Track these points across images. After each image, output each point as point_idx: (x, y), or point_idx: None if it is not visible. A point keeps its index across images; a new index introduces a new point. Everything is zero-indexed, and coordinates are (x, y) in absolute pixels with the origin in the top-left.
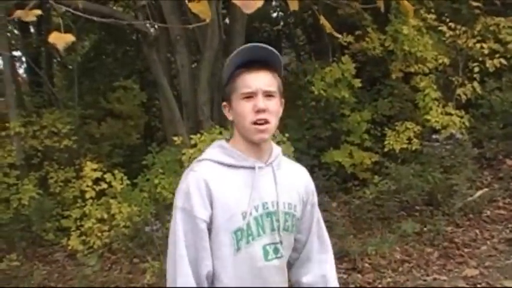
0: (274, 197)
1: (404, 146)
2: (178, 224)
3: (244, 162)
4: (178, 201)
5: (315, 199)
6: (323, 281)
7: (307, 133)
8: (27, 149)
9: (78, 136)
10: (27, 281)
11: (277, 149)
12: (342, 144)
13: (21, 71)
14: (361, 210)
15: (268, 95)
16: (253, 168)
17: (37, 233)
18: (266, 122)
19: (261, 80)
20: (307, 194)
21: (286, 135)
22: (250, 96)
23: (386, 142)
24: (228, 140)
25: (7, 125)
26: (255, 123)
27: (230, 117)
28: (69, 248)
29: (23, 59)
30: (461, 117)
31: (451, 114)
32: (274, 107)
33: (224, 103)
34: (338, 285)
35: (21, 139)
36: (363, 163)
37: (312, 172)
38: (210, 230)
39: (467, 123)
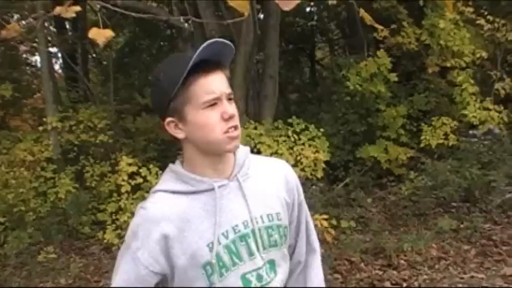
0: (246, 215)
1: (441, 141)
2: (121, 262)
3: (200, 186)
4: (127, 239)
5: (301, 196)
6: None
7: (342, 128)
8: (64, 144)
9: (113, 131)
10: (64, 273)
11: (242, 153)
12: (378, 139)
13: (56, 67)
14: (396, 206)
15: (229, 98)
16: (212, 189)
17: (73, 226)
18: (236, 127)
19: (221, 82)
20: (290, 193)
21: (321, 130)
22: (214, 103)
23: (422, 137)
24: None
25: (44, 119)
26: (226, 131)
27: (180, 135)
28: (105, 241)
29: (59, 55)
30: (500, 112)
31: (489, 109)
32: (236, 110)
33: (168, 119)
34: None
35: (57, 134)
36: (399, 158)
37: (347, 167)
38: (172, 273)
39: (505, 119)
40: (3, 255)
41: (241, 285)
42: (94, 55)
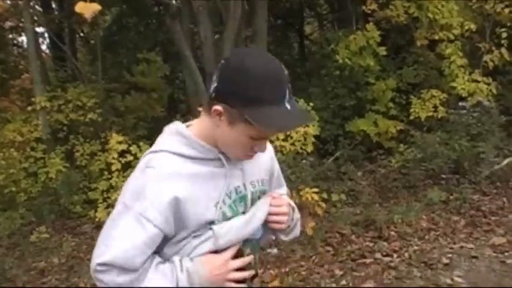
0: (245, 179)
1: (430, 114)
2: (120, 226)
3: (208, 154)
4: (126, 199)
5: (277, 163)
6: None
7: (332, 102)
8: (53, 124)
9: (102, 110)
10: (57, 252)
11: None
12: (367, 113)
13: (44, 47)
14: (386, 179)
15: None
16: (219, 159)
17: (65, 205)
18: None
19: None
20: (272, 162)
21: (311, 104)
22: (258, 139)
23: (411, 110)
24: (187, 125)
25: (33, 99)
26: (245, 155)
27: (216, 123)
28: (97, 219)
29: (46, 35)
30: (488, 84)
31: (477, 82)
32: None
33: (221, 109)
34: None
35: (46, 114)
36: (388, 132)
37: (336, 141)
38: (175, 234)
39: (494, 91)
40: None
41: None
42: (81, 34)
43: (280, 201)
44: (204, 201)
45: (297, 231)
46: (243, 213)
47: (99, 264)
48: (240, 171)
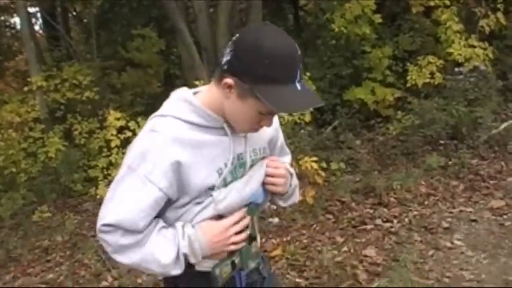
0: (248, 146)
1: (427, 80)
2: (124, 185)
3: (214, 123)
4: (131, 161)
5: (281, 134)
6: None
7: (329, 72)
8: (50, 103)
9: (99, 87)
10: (60, 230)
11: None
12: (364, 81)
13: (36, 27)
14: (385, 146)
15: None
16: (223, 128)
17: (65, 184)
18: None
19: None
20: (275, 132)
21: (308, 74)
22: (266, 114)
23: (408, 77)
24: (194, 92)
25: (29, 80)
26: (251, 128)
27: (226, 95)
28: (98, 197)
29: (38, 15)
30: (485, 49)
31: (474, 47)
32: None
33: (232, 83)
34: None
35: (43, 93)
36: (386, 99)
37: (334, 111)
38: (177, 199)
39: (491, 55)
40: None
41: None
42: (74, 13)
43: (277, 163)
44: (206, 168)
45: (295, 198)
46: (241, 177)
47: (104, 225)
48: (243, 139)
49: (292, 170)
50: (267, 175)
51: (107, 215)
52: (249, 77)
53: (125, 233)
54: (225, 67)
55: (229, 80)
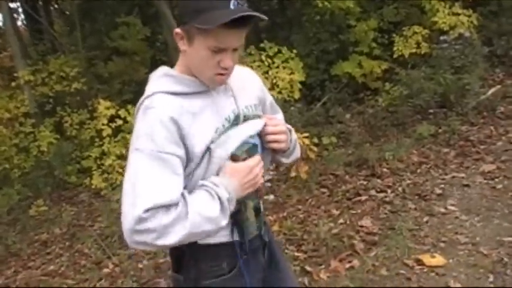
0: (239, 103)
1: (413, 50)
2: (142, 169)
3: (197, 87)
4: (138, 144)
5: (268, 94)
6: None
7: (315, 48)
8: (39, 97)
9: (86, 78)
10: (57, 222)
11: None
12: (351, 55)
13: (19, 22)
14: (375, 118)
15: (235, 49)
16: (208, 91)
17: (60, 177)
18: (227, 74)
19: (237, 38)
20: (262, 93)
21: (294, 51)
22: (219, 51)
23: (395, 49)
24: (171, 67)
25: (15, 75)
26: (217, 74)
27: (182, 47)
28: (93, 187)
29: (20, 10)
30: (469, 16)
31: (458, 14)
32: (237, 59)
33: (179, 31)
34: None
35: (31, 88)
36: (373, 72)
37: (323, 86)
38: (186, 166)
39: (475, 22)
40: None
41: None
42: (56, 6)
43: (275, 121)
44: (204, 131)
45: (297, 153)
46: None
47: (143, 213)
48: (232, 98)
49: (289, 126)
50: (267, 133)
51: (138, 203)
52: (187, 17)
53: (166, 211)
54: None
55: (177, 30)
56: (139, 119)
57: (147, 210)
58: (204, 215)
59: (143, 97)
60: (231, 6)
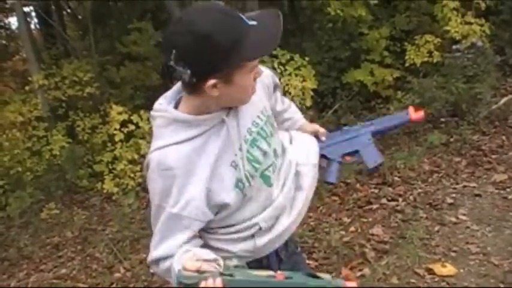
0: (248, 123)
1: (425, 59)
2: (161, 225)
3: (211, 123)
4: (158, 201)
5: (275, 78)
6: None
7: (327, 55)
8: (52, 101)
9: (99, 83)
10: (69, 226)
11: None
12: (362, 63)
13: (32, 26)
14: None
15: None
16: (221, 121)
17: (71, 180)
18: None
19: None
20: (268, 83)
21: (306, 59)
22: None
23: (406, 57)
24: (172, 103)
25: (29, 79)
26: (253, 89)
27: (215, 94)
28: (105, 191)
29: (33, 14)
30: (482, 25)
31: (470, 23)
32: None
33: (213, 81)
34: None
35: (44, 92)
36: (385, 80)
37: (334, 94)
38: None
39: (488, 31)
40: (7, 218)
41: (264, 183)
42: (69, 10)
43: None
44: (222, 166)
45: None
46: (264, 154)
47: (152, 262)
48: (243, 115)
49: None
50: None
51: (153, 249)
52: (222, 64)
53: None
54: (194, 80)
55: (210, 82)
56: (154, 176)
57: (157, 260)
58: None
59: (154, 147)
60: (252, 22)
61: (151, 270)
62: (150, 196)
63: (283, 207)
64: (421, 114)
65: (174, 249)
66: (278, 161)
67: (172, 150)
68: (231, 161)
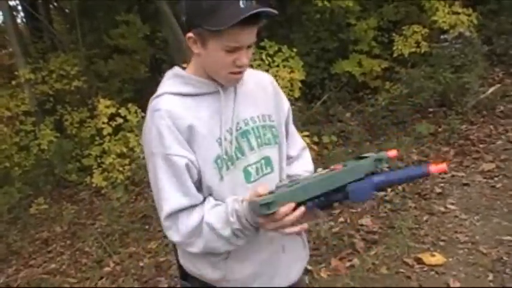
0: (245, 115)
1: (413, 49)
2: (159, 172)
3: (206, 88)
4: (152, 148)
5: (287, 103)
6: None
7: (315, 46)
8: (39, 95)
9: (86, 76)
10: (58, 221)
11: None
12: (351, 53)
13: (18, 20)
14: (375, 117)
15: (249, 46)
16: (217, 92)
17: (60, 175)
18: (242, 72)
19: (250, 35)
20: (279, 99)
21: (294, 50)
22: (233, 50)
23: (394, 47)
24: (183, 68)
25: (16, 73)
26: (232, 72)
27: (196, 51)
28: (93, 185)
29: (19, 8)
30: (469, 15)
31: (458, 13)
32: (250, 56)
33: (192, 35)
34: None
35: (31, 86)
36: (373, 71)
37: (323, 85)
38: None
39: (475, 21)
40: None
41: (243, 177)
42: (55, 4)
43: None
44: (208, 137)
45: None
46: (251, 149)
47: (165, 221)
48: (240, 106)
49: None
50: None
51: (161, 209)
52: (199, 20)
53: (188, 215)
54: (186, 27)
55: (189, 34)
56: (148, 120)
57: (169, 216)
58: (217, 235)
59: (153, 96)
60: (241, 5)
61: (167, 233)
62: (143, 139)
63: None
64: (443, 167)
65: (188, 196)
66: (267, 170)
67: (166, 97)
68: (217, 137)
